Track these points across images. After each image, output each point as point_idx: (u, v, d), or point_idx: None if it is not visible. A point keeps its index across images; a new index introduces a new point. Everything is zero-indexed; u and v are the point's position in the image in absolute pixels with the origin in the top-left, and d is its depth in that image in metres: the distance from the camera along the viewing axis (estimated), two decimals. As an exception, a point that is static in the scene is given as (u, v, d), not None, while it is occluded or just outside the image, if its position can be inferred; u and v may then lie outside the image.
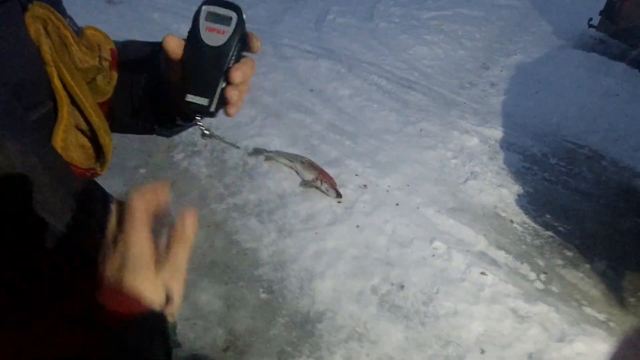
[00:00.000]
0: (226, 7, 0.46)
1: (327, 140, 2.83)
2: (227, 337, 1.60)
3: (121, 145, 2.57)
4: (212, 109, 0.48)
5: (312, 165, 2.41)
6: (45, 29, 0.49)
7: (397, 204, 2.28)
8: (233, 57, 0.47)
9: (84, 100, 0.51)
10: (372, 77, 3.67)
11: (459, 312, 1.69)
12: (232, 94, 0.49)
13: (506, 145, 2.99)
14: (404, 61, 4.07)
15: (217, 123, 2.74)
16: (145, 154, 2.55)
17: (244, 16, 0.47)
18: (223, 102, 0.49)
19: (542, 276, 1.93)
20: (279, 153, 2.54)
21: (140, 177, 2.35)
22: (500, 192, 2.46)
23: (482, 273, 1.87)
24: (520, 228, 2.22)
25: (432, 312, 1.69)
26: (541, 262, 2.01)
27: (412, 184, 2.46)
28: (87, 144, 0.54)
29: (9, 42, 0.46)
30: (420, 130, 3.04)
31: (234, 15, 0.46)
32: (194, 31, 0.46)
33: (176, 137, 2.72)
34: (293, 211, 2.19)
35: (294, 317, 1.66)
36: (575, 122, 3.35)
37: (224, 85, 0.48)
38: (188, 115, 0.57)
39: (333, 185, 2.29)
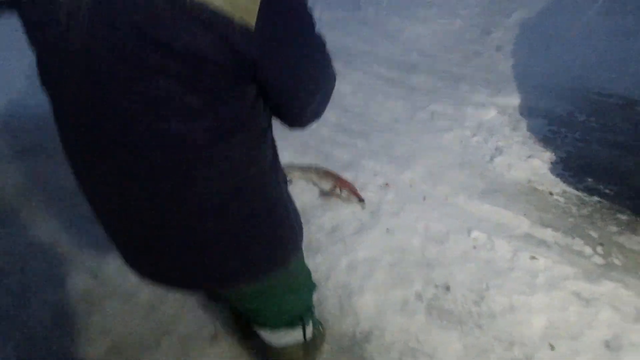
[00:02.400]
0: None
1: (338, 143, 2.71)
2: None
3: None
4: None
5: (328, 173, 2.29)
6: None
7: (424, 198, 2.14)
8: None
9: None
10: (371, 67, 3.52)
11: (516, 307, 1.54)
12: None
13: (527, 111, 2.80)
14: (400, 44, 3.91)
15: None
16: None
17: None
18: None
19: (599, 249, 1.76)
20: (292, 166, 2.43)
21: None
22: (531, 164, 2.28)
23: (532, 258, 1.72)
24: (562, 199, 2.05)
25: (486, 312, 1.55)
26: (594, 234, 1.83)
27: (435, 173, 2.31)
28: None
29: None
30: (432, 113, 2.89)
31: None
32: None
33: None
34: (317, 225, 2.08)
35: (341, 341, 1.55)
36: (597, 72, 3.12)
37: None
38: None
39: (353, 191, 2.17)
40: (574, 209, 1.98)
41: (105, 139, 0.62)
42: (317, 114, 0.77)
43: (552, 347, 1.40)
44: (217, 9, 0.48)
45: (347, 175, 2.33)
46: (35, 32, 0.60)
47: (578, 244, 1.79)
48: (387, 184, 2.26)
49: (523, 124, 2.66)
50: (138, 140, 0.60)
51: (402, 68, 3.47)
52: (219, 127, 0.60)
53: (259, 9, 0.50)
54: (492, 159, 2.35)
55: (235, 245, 0.74)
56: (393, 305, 1.64)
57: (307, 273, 1.09)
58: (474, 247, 1.81)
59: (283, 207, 0.82)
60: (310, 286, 1.12)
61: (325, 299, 1.73)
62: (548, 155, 2.35)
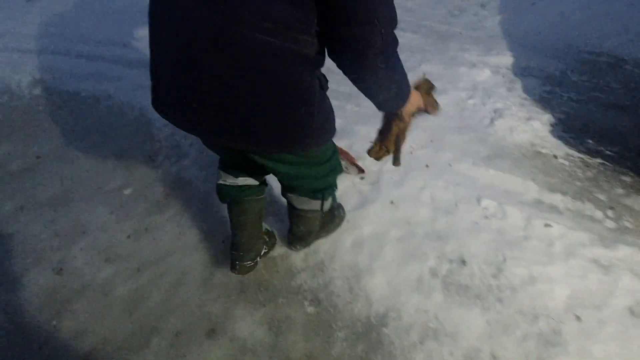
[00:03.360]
0: None
1: (325, 108, 2.47)
2: (284, 368, 1.36)
3: (94, 166, 2.18)
4: None
5: (320, 143, 2.08)
6: None
7: (427, 166, 2.00)
8: None
9: None
10: (354, 24, 3.24)
11: (536, 278, 1.47)
12: None
13: (520, 71, 2.69)
14: None
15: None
16: (125, 170, 2.17)
17: None
18: None
19: (610, 212, 1.71)
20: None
21: (127, 199, 2.00)
22: (532, 126, 2.19)
23: (546, 225, 1.64)
24: (566, 162, 1.98)
25: (505, 285, 1.47)
26: (602, 197, 1.79)
27: (435, 138, 2.16)
28: None
29: None
30: (424, 74, 2.68)
31: None
32: None
33: (156, 143, 2.33)
34: (313, 200, 1.89)
35: (354, 327, 1.42)
36: (585, 29, 3.04)
37: None
38: None
39: (351, 160, 1.99)
40: (579, 172, 1.93)
41: None
42: (374, 11, 0.79)
43: (578, 318, 1.35)
44: None
45: (341, 144, 2.13)
46: None
47: (589, 208, 1.73)
48: (385, 152, 2.09)
49: (518, 85, 2.55)
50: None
51: (387, 25, 3.21)
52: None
53: None
54: (492, 121, 2.24)
55: (276, 117, 0.89)
56: (407, 284, 1.52)
57: (335, 159, 1.26)
58: (485, 217, 1.71)
59: (319, 100, 0.94)
60: (335, 169, 1.29)
61: (332, 282, 1.57)
62: (547, 117, 2.26)
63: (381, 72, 0.86)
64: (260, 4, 0.75)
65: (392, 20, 0.83)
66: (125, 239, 1.81)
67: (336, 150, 1.26)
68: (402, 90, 0.98)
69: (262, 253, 1.58)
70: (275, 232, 1.73)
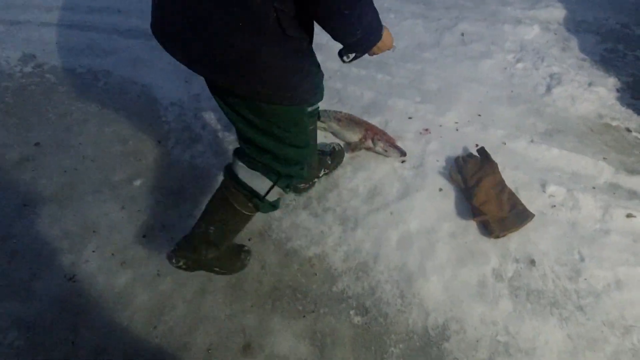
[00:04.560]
0: None
1: (351, 78, 2.18)
2: (332, 389, 1.20)
3: (99, 154, 1.95)
4: None
5: (352, 120, 1.82)
6: None
7: (477, 145, 1.73)
8: None
9: None
10: (378, -23, 2.84)
11: (623, 281, 1.26)
12: None
13: (574, 26, 2.33)
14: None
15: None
16: (132, 158, 1.94)
17: None
18: None
19: (702, 197, 1.47)
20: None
21: (138, 191, 1.78)
22: (596, 93, 1.89)
23: (629, 215, 1.41)
24: (642, 136, 1.71)
25: (586, 290, 1.26)
26: (690, 178, 1.54)
27: (483, 111, 1.88)
28: None
29: None
30: (462, 34, 2.36)
31: None
32: None
33: (165, 125, 2.08)
34: (349, 190, 1.67)
35: (410, 341, 1.24)
36: (647, -27, 2.61)
37: None
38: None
39: (390, 141, 1.73)
40: (658, 148, 1.66)
41: None
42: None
43: (679, 332, 1.15)
44: None
45: (374, 121, 1.87)
46: None
47: (675, 192, 1.49)
48: (426, 130, 1.83)
49: (574, 43, 2.21)
50: None
51: (414, -23, 2.81)
52: None
53: None
54: (548, 89, 1.94)
55: (260, 62, 0.92)
56: (467, 289, 1.32)
57: (308, 154, 1.21)
58: (553, 206, 1.48)
59: (309, 62, 1.02)
60: (302, 164, 1.20)
61: (379, 286, 1.38)
62: (612, 81, 1.95)
63: (346, 18, 0.88)
64: None
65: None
66: (140, 239, 1.62)
67: (314, 147, 1.23)
68: (370, 33, 0.97)
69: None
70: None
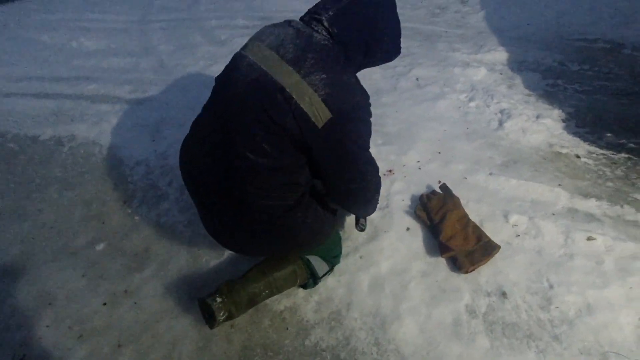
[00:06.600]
0: None
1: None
2: None
3: (59, 220, 1.88)
4: None
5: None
6: None
7: (440, 181, 1.78)
8: None
9: None
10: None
11: (593, 305, 1.25)
12: None
13: (516, 66, 2.53)
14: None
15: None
16: (95, 221, 1.88)
17: None
18: None
19: (654, 215, 1.53)
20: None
21: (100, 256, 1.71)
22: (544, 124, 2.01)
23: (589, 238, 1.44)
24: (591, 161, 1.80)
25: (559, 318, 1.25)
26: (640, 197, 1.60)
27: (442, 149, 1.96)
28: None
29: None
30: (417, 79, 2.52)
31: None
32: None
33: (130, 185, 2.05)
34: (318, 235, 1.64)
35: (389, 393, 1.17)
36: (575, 16, 2.92)
37: None
38: None
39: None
40: (607, 171, 1.74)
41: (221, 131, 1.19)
42: (355, 203, 1.31)
43: (655, 354, 1.13)
44: (305, 111, 1.05)
45: (339, 165, 1.90)
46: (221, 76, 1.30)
47: (629, 212, 1.54)
48: (390, 171, 1.87)
49: (518, 80, 2.39)
50: (235, 147, 1.15)
51: (368, 31, 3.03)
52: (277, 164, 1.14)
53: (326, 122, 1.06)
54: (500, 124, 2.05)
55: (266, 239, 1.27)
56: (443, 329, 1.28)
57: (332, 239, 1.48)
58: (517, 235, 1.50)
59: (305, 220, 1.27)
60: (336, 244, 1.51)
61: (354, 335, 1.32)
62: (557, 113, 2.09)
63: (370, 204, 1.35)
64: (262, 179, 1.15)
65: (377, 171, 1.24)
66: (100, 307, 1.52)
67: (338, 235, 1.52)
68: (373, 206, 1.40)
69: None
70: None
